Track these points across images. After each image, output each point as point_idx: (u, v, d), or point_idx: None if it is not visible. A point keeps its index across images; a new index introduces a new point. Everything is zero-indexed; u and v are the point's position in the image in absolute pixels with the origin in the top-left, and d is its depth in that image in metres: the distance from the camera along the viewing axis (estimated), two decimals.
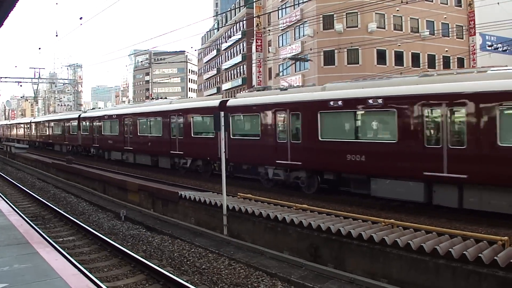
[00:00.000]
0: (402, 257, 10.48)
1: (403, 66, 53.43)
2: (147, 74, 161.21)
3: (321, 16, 53.90)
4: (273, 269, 11.76)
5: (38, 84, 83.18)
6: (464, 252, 9.61)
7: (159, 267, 11.37)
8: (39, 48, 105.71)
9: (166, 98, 35.06)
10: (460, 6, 61.11)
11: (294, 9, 60.82)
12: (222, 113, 15.99)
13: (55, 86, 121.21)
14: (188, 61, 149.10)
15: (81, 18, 59.76)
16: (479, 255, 9.43)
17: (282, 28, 62.96)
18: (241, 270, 11.83)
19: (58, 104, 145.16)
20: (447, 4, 59.23)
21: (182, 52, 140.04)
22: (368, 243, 11.11)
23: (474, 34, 58.22)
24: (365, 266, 11.14)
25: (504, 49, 41.10)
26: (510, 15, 37.68)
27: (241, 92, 41.66)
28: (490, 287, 9.20)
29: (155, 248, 14.18)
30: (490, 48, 46.15)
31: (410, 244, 10.32)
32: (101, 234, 15.19)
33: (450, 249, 9.80)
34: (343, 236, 11.62)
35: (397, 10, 53.42)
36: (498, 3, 43.67)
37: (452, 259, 9.71)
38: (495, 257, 9.25)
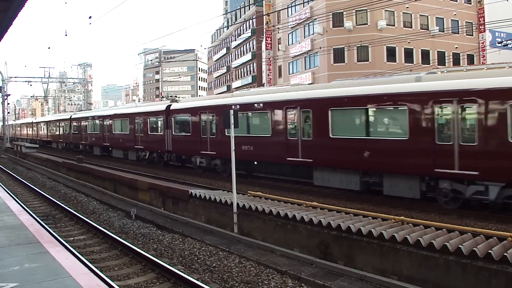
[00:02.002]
0: (412, 254, 10.46)
1: (413, 63, 53.29)
2: (157, 72, 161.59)
3: (330, 13, 53.83)
4: (284, 266, 11.76)
5: (48, 84, 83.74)
6: (474, 249, 9.58)
7: (170, 266, 11.40)
8: (49, 48, 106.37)
9: (176, 96, 37.86)
10: (470, 3, 60.88)
11: (303, 6, 60.83)
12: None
13: (65, 86, 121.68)
14: (198, 59, 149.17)
15: (90, 17, 59.67)
16: (489, 251, 9.40)
17: (291, 26, 62.87)
18: (251, 268, 11.83)
19: (68, 104, 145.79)
20: (456, 1, 59.06)
21: (192, 50, 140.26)
22: (378, 240, 11.10)
23: (484, 31, 57.79)
24: (375, 263, 11.13)
25: None
26: None
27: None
28: (500, 284, 9.16)
29: (165, 247, 14.21)
30: (499, 45, 45.83)
31: (420, 241, 10.30)
32: (111, 233, 15.22)
33: (460, 246, 9.77)
34: (353, 233, 11.61)
35: (407, 7, 53.23)
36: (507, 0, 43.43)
37: (462, 256, 9.69)
38: (505, 253, 9.23)
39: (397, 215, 13.31)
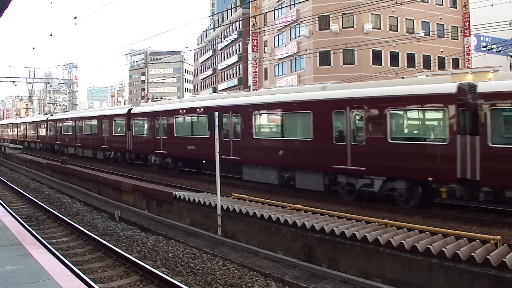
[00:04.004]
0: (396, 257, 10.49)
1: (398, 66, 53.56)
2: (143, 74, 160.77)
3: (317, 16, 53.87)
4: (267, 269, 11.75)
5: (33, 84, 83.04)
6: (457, 252, 9.63)
7: (154, 268, 11.34)
8: (34, 48, 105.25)
9: (161, 98, 39.68)
10: (456, 7, 61.22)
11: (290, 9, 60.75)
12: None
13: (50, 86, 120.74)
14: (184, 61, 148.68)
15: (75, 18, 59.25)
16: (472, 254, 9.46)
17: (278, 28, 62.90)
18: (235, 271, 11.81)
19: (51, 103, 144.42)
20: (442, 5, 59.31)
21: (178, 52, 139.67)
22: (362, 243, 11.11)
23: (469, 35, 58.17)
24: (359, 266, 11.15)
25: (498, 49, 41.32)
26: (504, 17, 37.75)
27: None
28: (483, 286, 9.21)
29: (149, 249, 14.15)
30: (484, 49, 46.28)
31: (403, 244, 10.34)
32: (95, 235, 15.13)
33: (443, 249, 9.83)
34: (337, 236, 11.62)
35: (393, 11, 53.46)
36: (492, 5, 43.91)
37: (445, 258, 9.73)
38: (488, 256, 9.29)
39: (381, 218, 13.33)
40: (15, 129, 73.81)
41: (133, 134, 33.65)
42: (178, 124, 28.68)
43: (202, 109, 26.12)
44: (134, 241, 15.23)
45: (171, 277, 10.65)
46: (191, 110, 27.30)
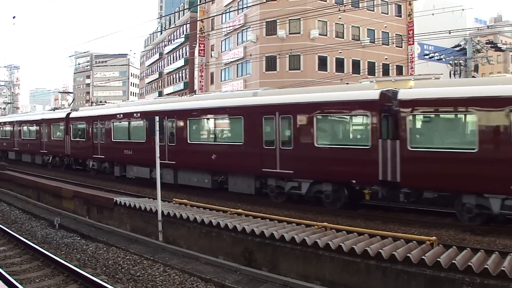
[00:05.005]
0: (335, 259, 10.58)
1: (343, 72, 54.52)
2: (88, 77, 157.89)
3: (264, 21, 54.14)
4: (208, 274, 11.66)
5: None
6: (393, 253, 9.80)
7: (93, 276, 11.03)
8: None
9: (105, 102, 39.53)
10: (400, 16, 62.94)
11: (238, 14, 60.84)
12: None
13: None
14: (130, 64, 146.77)
15: (14, 17, 57.65)
16: (408, 255, 9.66)
17: (225, 33, 62.87)
18: (176, 276, 11.67)
19: None
20: (387, 14, 60.91)
21: (124, 55, 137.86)
22: (301, 246, 11.14)
23: (413, 43, 59.94)
24: (299, 269, 11.19)
25: (439, 58, 42.86)
26: (445, 26, 38.95)
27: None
28: (418, 286, 9.42)
29: (89, 256, 13.81)
30: (426, 57, 47.83)
31: (341, 246, 10.45)
32: (33, 243, 14.62)
33: (380, 250, 9.98)
34: (277, 240, 11.62)
35: (339, 18, 54.50)
36: (433, 14, 45.33)
37: (383, 260, 9.88)
38: (423, 256, 9.50)
39: (323, 221, 13.47)
40: None
41: (72, 139, 33.75)
42: (115, 128, 28.72)
43: (138, 114, 26.41)
44: (74, 248, 14.84)
45: (111, 285, 10.40)
46: (128, 115, 27.50)
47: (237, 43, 61.71)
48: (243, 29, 60.05)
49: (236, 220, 13.68)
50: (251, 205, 19.32)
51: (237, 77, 61.01)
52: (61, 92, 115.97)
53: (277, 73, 54.93)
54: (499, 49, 41.50)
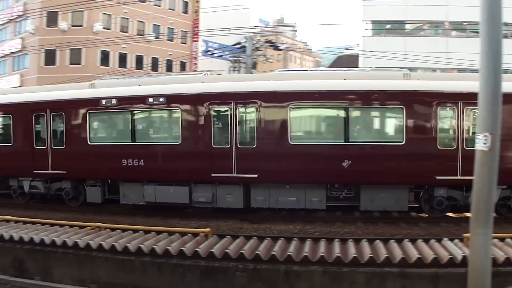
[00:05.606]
0: (109, 260, 10.34)
1: (126, 67, 54.00)
2: None
3: (45, 11, 50.58)
4: None
5: None
6: (167, 248, 9.91)
7: None
8: None
9: None
10: (187, 12, 63.85)
11: (17, 2, 56.08)
12: None
13: None
14: None
15: None
16: (182, 248, 9.81)
17: (2, 22, 57.41)
18: None
19: None
20: (174, 10, 61.41)
21: None
22: (74, 249, 10.67)
23: (198, 40, 61.22)
24: (73, 273, 10.67)
25: (219, 54, 44.42)
26: (230, 24, 40.31)
27: None
28: (193, 278, 9.66)
29: None
30: (208, 53, 49.44)
31: (115, 246, 10.25)
32: None
33: (154, 246, 10.03)
34: (47, 245, 10.96)
35: (125, 12, 53.53)
36: (214, 11, 46.88)
37: (158, 256, 9.94)
38: (197, 249, 9.76)
39: (101, 221, 13.02)
40: None
41: None
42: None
43: None
44: None
45: None
46: None
47: (15, 34, 56.85)
48: (22, 19, 55.46)
49: (3, 227, 12.55)
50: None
51: (13, 71, 56.36)
52: None
53: (57, 68, 51.67)
54: (277, 48, 44.15)
